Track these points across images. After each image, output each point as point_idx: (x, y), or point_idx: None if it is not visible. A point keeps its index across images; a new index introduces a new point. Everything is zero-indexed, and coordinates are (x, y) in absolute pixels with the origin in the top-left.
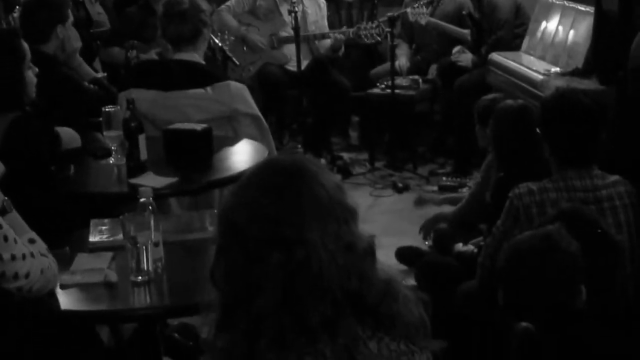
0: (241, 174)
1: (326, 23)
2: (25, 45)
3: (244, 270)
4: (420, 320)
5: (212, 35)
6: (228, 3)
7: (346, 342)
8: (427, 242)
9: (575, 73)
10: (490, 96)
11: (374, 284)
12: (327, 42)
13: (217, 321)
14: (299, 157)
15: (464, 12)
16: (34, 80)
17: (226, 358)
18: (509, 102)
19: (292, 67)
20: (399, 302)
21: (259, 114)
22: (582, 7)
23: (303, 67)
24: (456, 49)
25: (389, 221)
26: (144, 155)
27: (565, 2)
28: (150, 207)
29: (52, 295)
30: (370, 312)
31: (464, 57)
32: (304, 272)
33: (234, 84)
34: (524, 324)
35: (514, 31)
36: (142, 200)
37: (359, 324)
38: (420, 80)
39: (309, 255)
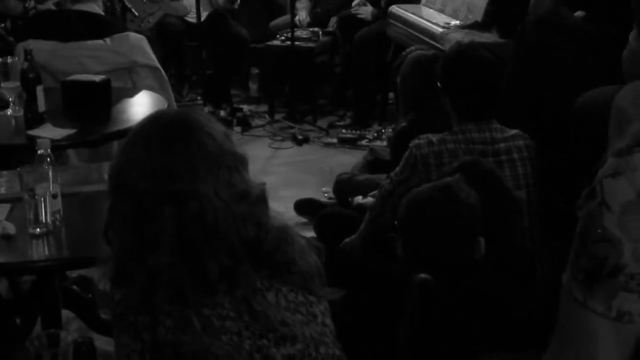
0: None
1: None
2: None
3: (138, 227)
4: (315, 267)
5: None
6: None
7: (245, 293)
8: (325, 194)
9: (474, 26)
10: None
11: (270, 230)
12: None
13: (112, 277)
14: (185, 109)
15: None
16: None
17: (124, 312)
18: (421, 52)
19: (191, 18)
20: (294, 248)
21: (158, 65)
22: None
23: (203, 18)
24: (356, 1)
25: (288, 173)
26: (41, 106)
27: None
28: (48, 159)
29: None
30: (267, 259)
31: (363, 9)
32: (199, 224)
33: (133, 35)
34: (422, 275)
35: None
36: (40, 152)
37: (256, 275)
38: (320, 32)
39: (202, 207)
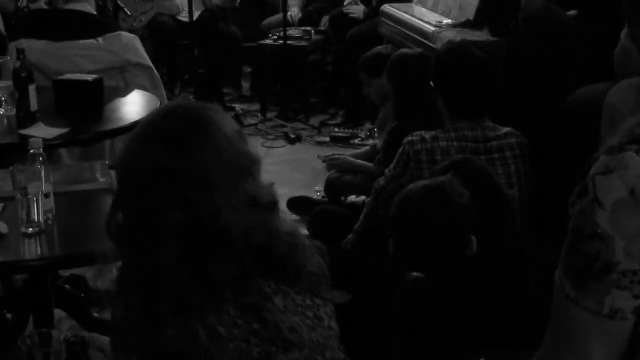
0: (133, 125)
1: None
2: None
3: (145, 227)
4: (321, 270)
5: None
6: None
7: (253, 301)
8: (318, 193)
9: (467, 25)
10: (377, 49)
11: (281, 237)
12: None
13: (117, 278)
14: (199, 105)
15: None
16: None
17: (126, 315)
18: (407, 51)
19: (184, 17)
20: (304, 254)
21: (151, 64)
22: None
23: (195, 17)
24: (348, 0)
25: (281, 172)
26: (34, 106)
27: None
28: (40, 158)
29: None
30: (277, 265)
31: (355, 8)
32: (208, 230)
33: (125, 35)
34: (414, 273)
35: None
36: (32, 151)
37: (264, 279)
38: (313, 31)
39: (213, 213)
